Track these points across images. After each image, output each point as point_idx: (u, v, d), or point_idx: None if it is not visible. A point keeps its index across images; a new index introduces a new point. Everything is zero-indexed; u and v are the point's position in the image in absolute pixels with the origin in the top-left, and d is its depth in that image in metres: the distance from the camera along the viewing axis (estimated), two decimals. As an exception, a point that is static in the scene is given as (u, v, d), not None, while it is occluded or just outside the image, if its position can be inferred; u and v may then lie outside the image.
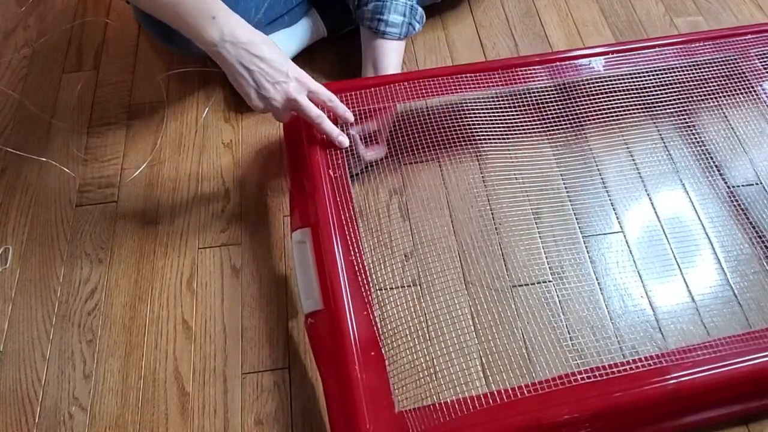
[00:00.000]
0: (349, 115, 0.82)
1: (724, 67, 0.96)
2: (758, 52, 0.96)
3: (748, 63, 0.95)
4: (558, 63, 0.93)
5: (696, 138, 0.96)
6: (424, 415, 0.65)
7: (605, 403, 0.65)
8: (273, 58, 0.75)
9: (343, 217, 0.77)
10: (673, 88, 0.95)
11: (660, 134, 0.97)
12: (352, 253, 0.75)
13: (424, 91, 0.87)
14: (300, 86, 0.77)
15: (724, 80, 0.95)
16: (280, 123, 1.00)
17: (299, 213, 0.83)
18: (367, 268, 0.75)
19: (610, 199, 0.90)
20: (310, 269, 0.75)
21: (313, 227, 0.78)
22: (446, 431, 0.64)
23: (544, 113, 0.97)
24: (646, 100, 0.96)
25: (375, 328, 0.71)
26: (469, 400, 0.65)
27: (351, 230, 0.76)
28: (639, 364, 0.67)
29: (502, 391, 0.65)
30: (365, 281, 0.73)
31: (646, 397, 0.66)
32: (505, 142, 0.96)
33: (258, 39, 0.75)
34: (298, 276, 0.76)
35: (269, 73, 0.74)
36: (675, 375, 0.66)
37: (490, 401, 0.65)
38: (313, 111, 0.78)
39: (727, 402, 0.73)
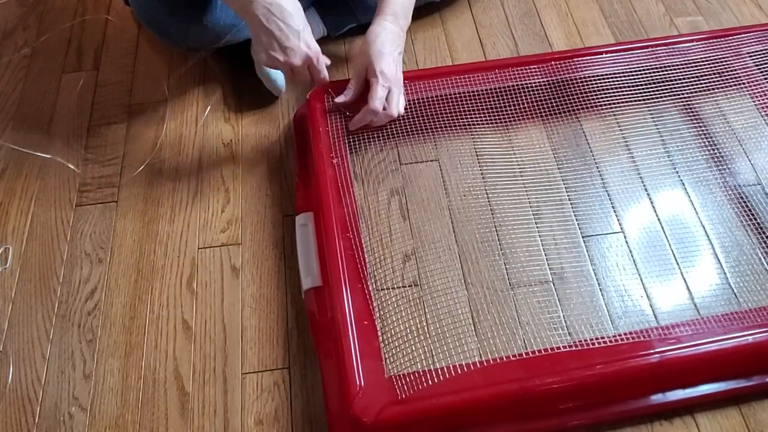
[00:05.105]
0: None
1: (720, 65, 0.97)
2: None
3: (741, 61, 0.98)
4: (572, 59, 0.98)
5: (696, 138, 0.96)
6: (411, 380, 0.70)
7: (591, 374, 0.69)
8: (291, 24, 0.83)
9: (343, 201, 0.83)
10: (673, 85, 0.97)
11: (660, 134, 0.97)
12: (350, 233, 0.81)
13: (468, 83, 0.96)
14: (306, 55, 0.85)
15: (723, 78, 0.96)
16: (280, 123, 1.01)
17: (303, 199, 0.89)
18: (367, 265, 0.78)
19: (610, 199, 0.90)
20: (310, 250, 0.82)
21: (315, 210, 0.84)
22: (431, 395, 0.68)
23: (543, 112, 0.97)
24: (647, 97, 0.97)
25: (368, 300, 0.76)
26: (457, 368, 0.70)
27: (350, 212, 0.83)
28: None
29: (490, 360, 0.71)
30: (362, 259, 0.79)
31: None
32: (506, 142, 0.96)
33: (286, 4, 0.83)
34: (299, 256, 0.83)
35: (285, 34, 0.83)
36: (659, 349, 0.71)
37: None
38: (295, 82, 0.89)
39: (716, 379, 0.75)
